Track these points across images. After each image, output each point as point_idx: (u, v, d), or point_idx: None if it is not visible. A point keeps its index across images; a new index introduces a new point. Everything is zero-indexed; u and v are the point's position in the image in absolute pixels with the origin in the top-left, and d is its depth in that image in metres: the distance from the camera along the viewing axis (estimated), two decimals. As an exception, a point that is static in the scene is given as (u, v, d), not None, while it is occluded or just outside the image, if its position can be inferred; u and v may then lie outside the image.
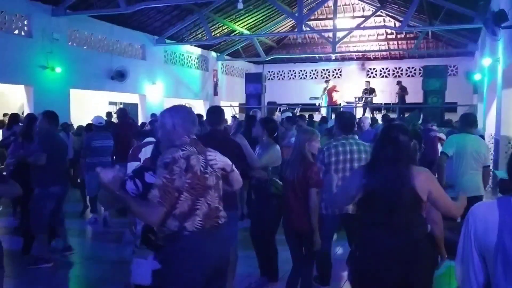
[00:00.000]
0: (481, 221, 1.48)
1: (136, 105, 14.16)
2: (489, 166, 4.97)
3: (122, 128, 7.34)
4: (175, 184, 2.25)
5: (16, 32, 9.78)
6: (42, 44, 9.96)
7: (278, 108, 17.42)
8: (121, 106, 15.40)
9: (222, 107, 4.19)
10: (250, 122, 5.97)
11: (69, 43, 11.06)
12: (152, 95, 13.89)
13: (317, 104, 17.03)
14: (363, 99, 16.27)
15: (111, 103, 15.18)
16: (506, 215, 1.42)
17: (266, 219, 4.16)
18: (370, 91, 16.27)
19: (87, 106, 12.81)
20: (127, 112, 7.82)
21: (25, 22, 9.86)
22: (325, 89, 16.46)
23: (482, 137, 7.05)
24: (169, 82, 14.68)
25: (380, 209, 2.47)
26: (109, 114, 10.68)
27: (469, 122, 4.96)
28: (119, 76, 12.06)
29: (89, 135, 7.02)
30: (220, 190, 2.47)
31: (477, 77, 12.50)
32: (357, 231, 2.68)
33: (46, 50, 10.01)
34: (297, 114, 15.99)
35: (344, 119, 4.19)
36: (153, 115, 11.76)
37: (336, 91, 16.06)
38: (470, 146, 4.78)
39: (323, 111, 16.09)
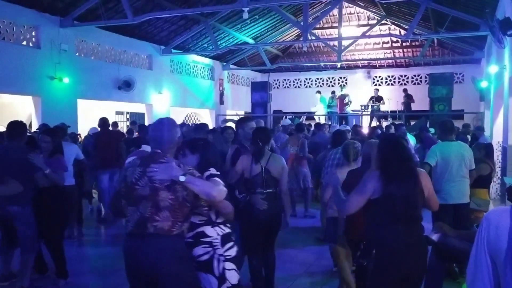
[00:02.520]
0: (493, 226, 1.50)
1: (142, 114, 14.25)
2: (474, 169, 4.95)
3: (103, 137, 7.77)
4: (117, 191, 2.73)
5: (25, 43, 9.90)
6: (50, 55, 10.08)
7: (284, 116, 17.46)
8: (128, 115, 15.53)
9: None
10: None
11: (77, 54, 11.18)
12: (159, 105, 13.98)
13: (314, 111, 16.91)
14: (369, 106, 16.23)
15: (118, 113, 15.28)
16: None
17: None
18: (377, 99, 16.23)
19: (94, 116, 12.87)
20: (106, 121, 8.01)
21: (33, 34, 9.99)
22: (334, 96, 16.38)
23: (473, 142, 7.02)
24: (175, 91, 14.77)
25: (400, 208, 2.71)
26: (114, 124, 10.73)
27: (448, 129, 4.97)
28: (126, 86, 12.16)
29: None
30: (158, 201, 2.50)
31: (483, 84, 12.46)
32: (372, 230, 2.81)
33: (54, 60, 10.12)
34: (303, 122, 16.02)
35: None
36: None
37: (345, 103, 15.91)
38: (455, 153, 4.78)
39: (321, 118, 16.04)
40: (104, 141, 7.66)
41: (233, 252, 2.84)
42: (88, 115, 12.43)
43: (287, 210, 4.17)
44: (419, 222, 2.84)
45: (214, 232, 2.79)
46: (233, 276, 2.80)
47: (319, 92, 17.05)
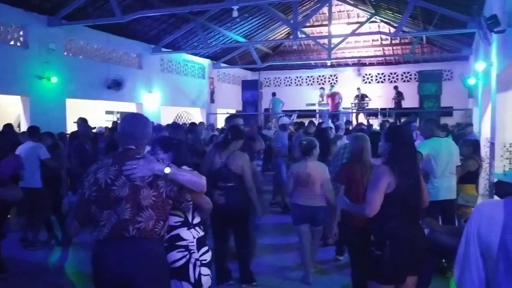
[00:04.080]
0: (486, 219, 1.48)
1: (133, 114, 14.17)
2: (459, 166, 5.08)
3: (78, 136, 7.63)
4: (85, 197, 2.40)
5: (12, 42, 9.81)
6: (38, 54, 9.99)
7: (282, 114, 17.50)
8: (118, 115, 15.45)
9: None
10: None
11: (65, 53, 11.10)
12: (149, 104, 13.92)
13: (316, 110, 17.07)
14: (357, 105, 16.47)
15: (108, 112, 15.20)
16: (510, 216, 1.43)
17: None
18: (361, 97, 16.51)
19: (84, 115, 12.76)
20: (83, 121, 7.83)
21: (21, 33, 9.90)
22: (324, 95, 16.59)
23: (459, 139, 7.10)
24: (166, 90, 14.72)
25: (412, 201, 2.91)
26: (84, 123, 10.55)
27: (435, 126, 5.05)
28: (115, 85, 12.09)
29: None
30: (139, 200, 2.32)
31: (471, 81, 12.58)
32: (385, 222, 2.92)
33: (42, 60, 10.04)
34: (294, 120, 16.10)
35: None
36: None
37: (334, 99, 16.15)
38: (444, 149, 4.84)
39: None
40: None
41: (208, 256, 2.74)
42: (78, 115, 12.32)
43: (256, 204, 4.33)
44: (420, 216, 3.07)
45: (190, 235, 2.67)
46: (207, 282, 2.70)
47: (333, 85, 17.36)
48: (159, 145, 2.82)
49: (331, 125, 7.26)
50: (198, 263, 2.64)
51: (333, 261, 5.32)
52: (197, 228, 2.72)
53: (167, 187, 2.36)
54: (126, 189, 2.32)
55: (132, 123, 2.53)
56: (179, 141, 3.05)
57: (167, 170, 2.31)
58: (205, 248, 2.73)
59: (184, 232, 2.65)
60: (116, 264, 2.30)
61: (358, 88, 17.06)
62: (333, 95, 16.20)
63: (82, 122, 7.89)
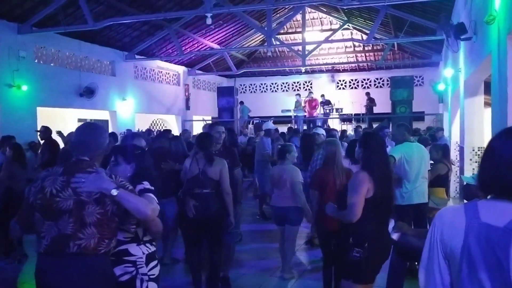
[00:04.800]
0: (448, 225, 1.52)
1: (106, 122, 13.98)
2: (429, 170, 5.23)
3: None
4: (29, 203, 2.32)
5: (-19, 50, 9.56)
6: (8, 63, 9.76)
7: (251, 121, 17.57)
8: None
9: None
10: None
11: (36, 61, 10.87)
12: (123, 111, 13.76)
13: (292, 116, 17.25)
14: (324, 111, 16.90)
15: (80, 120, 14.93)
16: (472, 220, 1.46)
17: None
18: (326, 103, 16.91)
19: (56, 124, 12.54)
20: (47, 130, 7.79)
21: (-10, 41, 9.66)
22: (302, 101, 16.83)
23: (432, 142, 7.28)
24: (140, 97, 14.57)
25: (389, 206, 3.17)
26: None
27: (405, 131, 5.13)
28: (88, 93, 11.90)
29: None
30: (83, 216, 2.20)
31: (441, 87, 12.93)
32: (365, 226, 3.07)
33: (12, 68, 9.81)
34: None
35: None
36: (128, 130, 11.79)
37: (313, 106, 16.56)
38: (416, 154, 4.95)
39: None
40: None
41: (156, 271, 2.63)
42: (49, 123, 12.08)
43: (230, 210, 4.32)
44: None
45: (139, 251, 2.55)
46: None
47: (311, 93, 17.68)
48: (120, 154, 2.68)
49: (322, 131, 7.31)
50: (146, 277, 2.53)
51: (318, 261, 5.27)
52: (148, 244, 2.62)
53: (113, 206, 2.25)
54: (71, 203, 2.21)
55: (86, 133, 2.44)
56: (142, 151, 2.91)
57: (114, 192, 2.19)
58: (154, 263, 2.63)
59: (133, 248, 2.54)
60: (57, 281, 2.19)
61: (323, 95, 17.49)
62: (310, 101, 16.49)
63: (45, 130, 7.79)
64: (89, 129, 2.53)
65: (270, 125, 10.06)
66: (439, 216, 1.58)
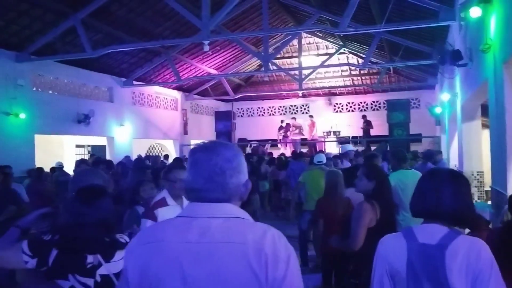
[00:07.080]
0: (391, 248, 1.81)
1: (104, 147, 13.95)
2: None
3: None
4: None
5: (-22, 79, 9.58)
6: (6, 91, 9.77)
7: (249, 144, 17.59)
8: (89, 148, 15.17)
9: None
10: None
11: (34, 88, 10.90)
12: (120, 137, 13.74)
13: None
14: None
15: (78, 146, 14.92)
16: (411, 242, 1.76)
17: None
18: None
19: (54, 150, 12.53)
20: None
21: (-12, 69, 9.70)
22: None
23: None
24: (137, 123, 14.59)
25: (383, 235, 3.30)
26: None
27: (401, 158, 5.10)
28: (85, 119, 11.91)
29: None
30: None
31: (438, 110, 12.99)
32: (368, 255, 3.22)
33: (10, 96, 9.82)
34: (268, 150, 16.18)
35: None
36: (126, 156, 11.72)
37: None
38: (411, 182, 4.89)
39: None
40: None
41: None
42: (47, 150, 12.06)
43: None
44: None
45: None
46: None
47: (311, 116, 17.97)
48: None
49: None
50: None
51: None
52: None
53: None
54: None
55: None
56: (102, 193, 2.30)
57: None
58: None
59: None
60: None
61: (311, 116, 17.88)
62: (311, 125, 16.80)
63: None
64: None
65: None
66: (381, 243, 1.88)
